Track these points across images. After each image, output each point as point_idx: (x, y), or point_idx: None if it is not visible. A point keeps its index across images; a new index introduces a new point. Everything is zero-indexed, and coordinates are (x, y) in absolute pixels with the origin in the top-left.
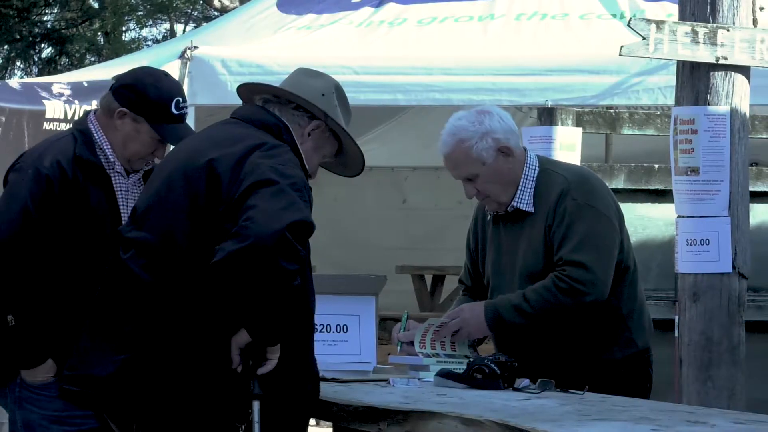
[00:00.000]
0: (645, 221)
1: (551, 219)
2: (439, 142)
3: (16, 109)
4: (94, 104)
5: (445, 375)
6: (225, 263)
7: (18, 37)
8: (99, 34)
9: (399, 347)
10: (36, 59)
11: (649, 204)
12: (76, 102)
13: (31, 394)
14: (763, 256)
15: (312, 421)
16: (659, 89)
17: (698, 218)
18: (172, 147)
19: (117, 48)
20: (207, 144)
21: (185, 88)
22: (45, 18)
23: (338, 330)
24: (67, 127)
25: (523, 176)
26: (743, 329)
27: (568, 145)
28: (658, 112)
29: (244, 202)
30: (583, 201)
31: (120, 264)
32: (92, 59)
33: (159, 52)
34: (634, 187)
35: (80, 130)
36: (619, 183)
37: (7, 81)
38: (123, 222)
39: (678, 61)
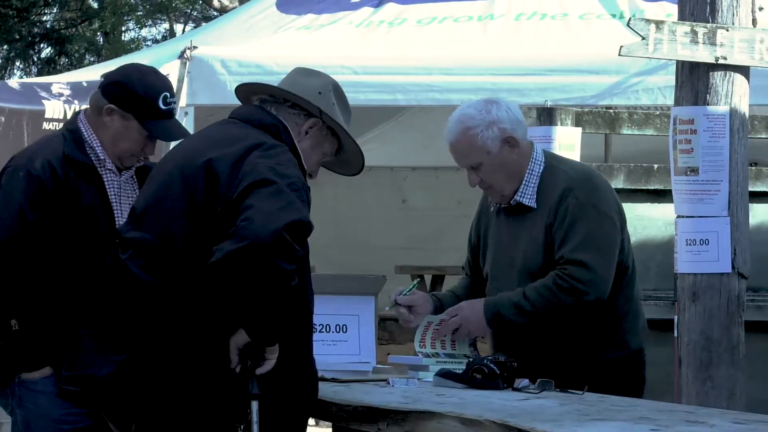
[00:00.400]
0: (644, 221)
1: (552, 217)
2: (445, 128)
3: (16, 109)
4: None
5: (445, 375)
6: (223, 263)
7: (17, 37)
8: (98, 34)
9: (391, 307)
10: (35, 59)
11: (649, 204)
12: (76, 102)
13: (31, 393)
14: (762, 256)
15: (311, 421)
16: (659, 89)
17: (698, 218)
18: (162, 143)
19: (116, 48)
20: (205, 144)
21: (185, 88)
22: (44, 18)
23: (337, 330)
24: None
25: (528, 170)
26: (743, 329)
27: (567, 145)
28: (658, 112)
29: (242, 202)
30: (586, 200)
31: (118, 264)
32: (92, 59)
33: (158, 52)
34: (633, 187)
35: (70, 129)
36: (618, 183)
37: (6, 81)
38: (117, 220)
39: (677, 61)
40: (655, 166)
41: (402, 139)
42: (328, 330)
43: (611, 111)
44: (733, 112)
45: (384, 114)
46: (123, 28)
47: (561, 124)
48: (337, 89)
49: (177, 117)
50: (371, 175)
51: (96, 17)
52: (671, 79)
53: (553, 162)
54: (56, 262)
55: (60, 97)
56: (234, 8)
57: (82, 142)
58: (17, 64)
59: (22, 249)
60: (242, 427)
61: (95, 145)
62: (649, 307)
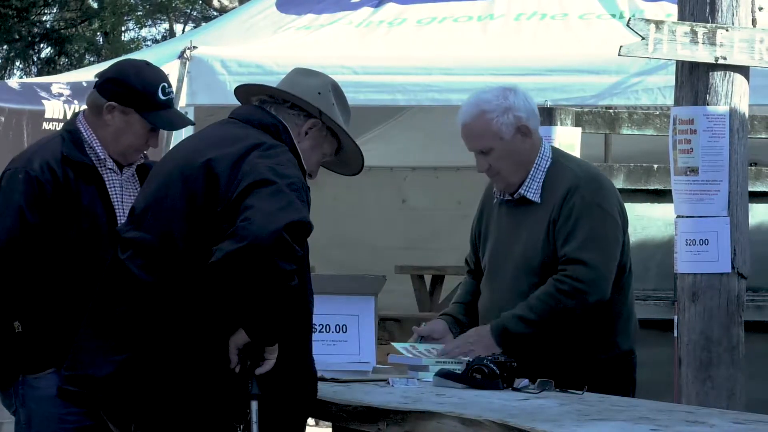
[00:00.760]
0: (644, 221)
1: (557, 213)
2: (459, 111)
3: (16, 109)
4: None
5: (445, 375)
6: (223, 263)
7: (17, 37)
8: (98, 34)
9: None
10: (35, 59)
11: (649, 204)
12: (76, 102)
13: (33, 393)
14: (762, 256)
15: (311, 421)
16: (658, 89)
17: (697, 218)
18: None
19: (116, 48)
20: (205, 144)
21: (184, 88)
22: (44, 18)
23: (337, 330)
24: None
25: (535, 164)
26: (742, 329)
27: (567, 145)
28: (657, 112)
29: (241, 202)
30: (591, 199)
31: (118, 264)
32: (91, 59)
33: (158, 52)
34: (633, 187)
35: (69, 130)
36: (618, 183)
37: (6, 81)
38: (119, 219)
39: (677, 61)
40: (655, 166)
41: (402, 139)
42: (327, 330)
43: (611, 111)
44: (733, 112)
45: (384, 114)
46: (123, 28)
47: (561, 124)
48: (336, 89)
49: None
50: (371, 175)
51: (96, 17)
52: (671, 79)
53: (560, 159)
54: (58, 263)
55: (60, 97)
56: (234, 8)
57: (81, 142)
58: (17, 64)
59: (22, 250)
60: (242, 427)
61: (95, 144)
62: (649, 307)
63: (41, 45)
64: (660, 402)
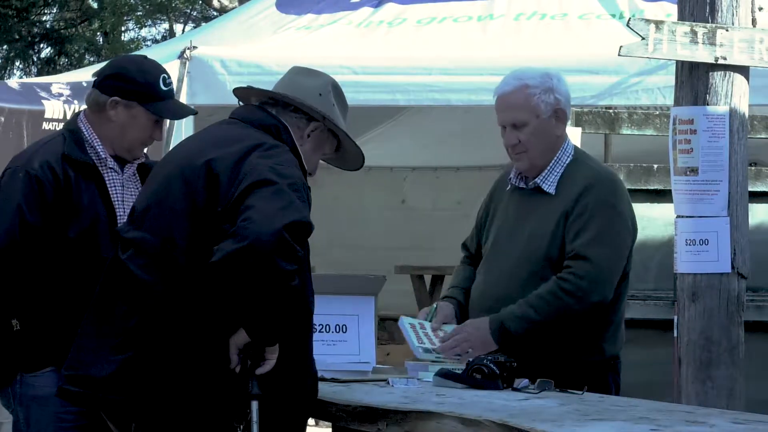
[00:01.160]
0: (644, 221)
1: (571, 207)
2: (499, 84)
3: (16, 109)
4: None
5: (445, 375)
6: (223, 263)
7: (17, 37)
8: (98, 34)
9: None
10: (35, 59)
11: (648, 204)
12: (76, 102)
13: (32, 392)
14: (762, 256)
15: (311, 421)
16: (658, 89)
17: (697, 218)
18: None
19: (116, 48)
20: (205, 144)
21: (184, 88)
22: (44, 18)
23: (337, 330)
24: None
25: (556, 156)
26: (742, 329)
27: None
28: (657, 112)
29: (242, 203)
30: (607, 199)
31: (118, 264)
32: (91, 59)
33: (158, 53)
34: (633, 187)
35: (70, 130)
36: None
37: (6, 81)
38: (119, 218)
39: (677, 61)
40: (655, 166)
41: (401, 139)
42: (327, 330)
43: (611, 111)
44: (733, 113)
45: (384, 114)
46: (123, 28)
47: None
48: (335, 88)
49: None
50: (371, 175)
51: (96, 17)
52: (671, 79)
53: (580, 157)
54: (57, 262)
55: (60, 97)
56: (234, 8)
57: (82, 141)
58: (17, 64)
59: (22, 249)
60: (242, 427)
61: (96, 144)
62: (649, 307)
63: (41, 45)
64: (660, 402)
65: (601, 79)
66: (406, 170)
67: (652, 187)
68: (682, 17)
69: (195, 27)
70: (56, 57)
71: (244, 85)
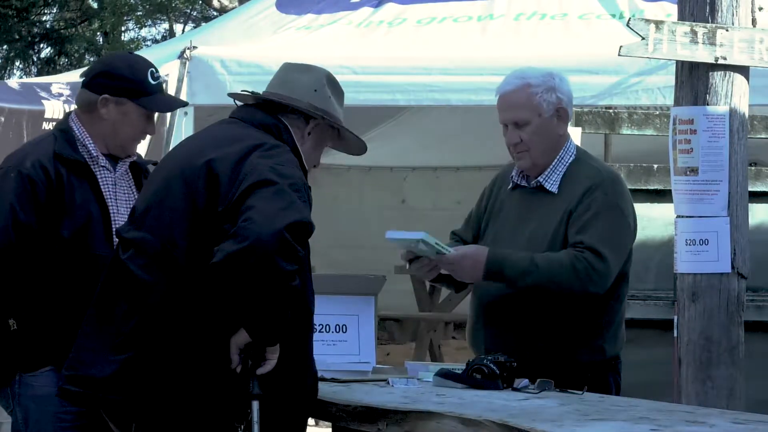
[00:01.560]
0: (644, 221)
1: (575, 205)
2: (501, 83)
3: (16, 109)
4: None
5: (445, 375)
6: (224, 264)
7: (17, 37)
8: (98, 34)
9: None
10: (35, 59)
11: (648, 204)
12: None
13: (30, 392)
14: (762, 256)
15: (311, 421)
16: (658, 89)
17: (697, 218)
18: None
19: (116, 48)
20: (206, 144)
21: (184, 88)
22: (44, 18)
23: (337, 330)
24: None
25: (559, 156)
26: (742, 329)
27: None
28: (657, 112)
29: (243, 203)
30: (613, 198)
31: (118, 264)
32: (91, 59)
33: (158, 52)
34: (633, 187)
35: (61, 129)
36: None
37: (6, 81)
38: (112, 216)
39: (677, 61)
40: (655, 166)
41: (402, 139)
42: (327, 330)
43: (611, 111)
44: (733, 113)
45: (384, 114)
46: (123, 28)
47: None
48: (330, 80)
49: (177, 117)
50: (371, 175)
51: (96, 17)
52: (671, 79)
53: (583, 156)
54: (52, 261)
55: (60, 97)
56: (234, 8)
57: (73, 140)
58: (17, 64)
59: (15, 249)
60: (243, 427)
61: (87, 142)
62: (649, 307)
63: (41, 45)
64: (660, 402)
65: (601, 79)
66: (406, 170)
67: (652, 187)
68: (682, 17)
69: (195, 27)
70: (56, 57)
71: (242, 88)
